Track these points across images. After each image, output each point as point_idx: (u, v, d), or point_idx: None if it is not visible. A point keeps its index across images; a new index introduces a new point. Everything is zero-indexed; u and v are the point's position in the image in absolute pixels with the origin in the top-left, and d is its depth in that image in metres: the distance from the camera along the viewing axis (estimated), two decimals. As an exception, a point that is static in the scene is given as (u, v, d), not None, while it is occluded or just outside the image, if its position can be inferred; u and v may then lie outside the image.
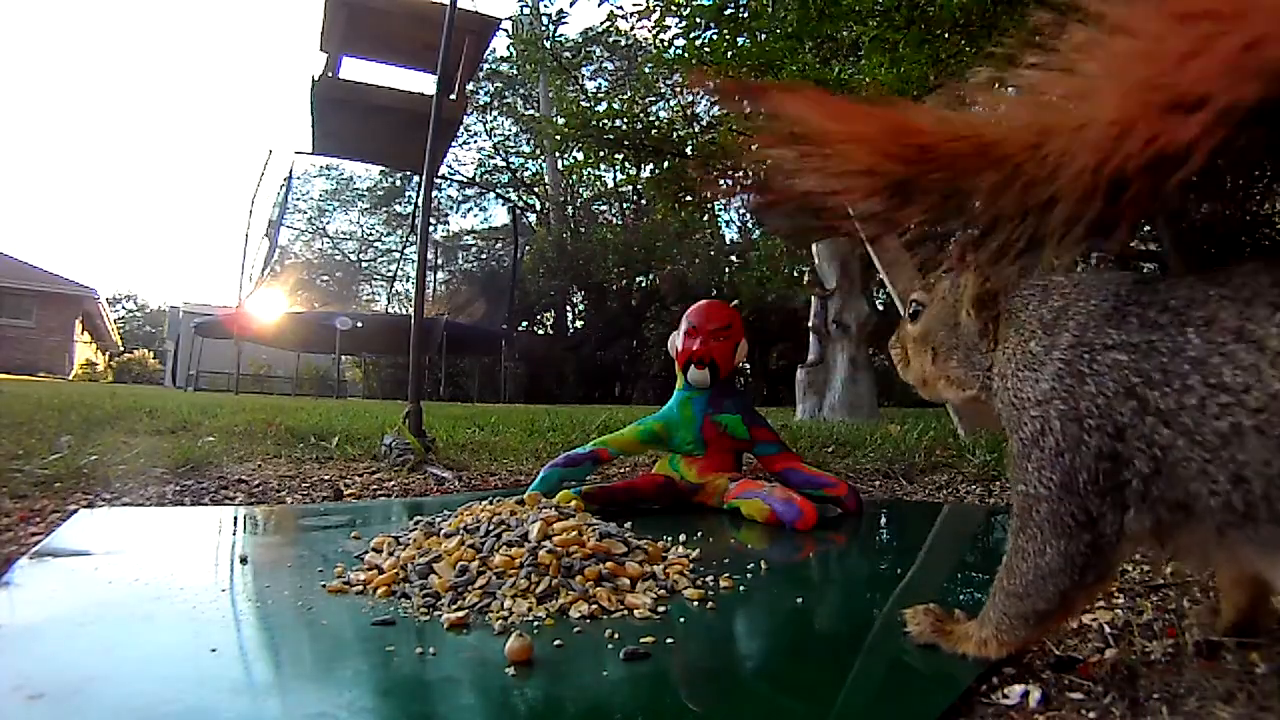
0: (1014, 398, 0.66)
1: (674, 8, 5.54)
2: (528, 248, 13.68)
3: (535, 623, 0.79)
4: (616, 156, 6.89)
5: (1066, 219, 0.55)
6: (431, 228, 10.53)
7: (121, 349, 21.31)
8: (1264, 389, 0.51)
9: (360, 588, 0.88)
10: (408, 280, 15.74)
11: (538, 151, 16.83)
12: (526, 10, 14.75)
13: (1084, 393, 0.61)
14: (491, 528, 0.98)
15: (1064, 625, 0.65)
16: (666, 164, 6.31)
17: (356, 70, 4.62)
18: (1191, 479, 0.55)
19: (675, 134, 6.77)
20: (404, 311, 14.19)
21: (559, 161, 15.03)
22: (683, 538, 1.14)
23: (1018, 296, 0.70)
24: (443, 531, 1.00)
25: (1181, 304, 0.58)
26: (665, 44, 5.91)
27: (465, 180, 18.12)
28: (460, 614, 0.78)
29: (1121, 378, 0.59)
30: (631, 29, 6.33)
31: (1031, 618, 0.63)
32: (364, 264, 18.75)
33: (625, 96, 9.58)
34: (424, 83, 3.96)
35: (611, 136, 6.27)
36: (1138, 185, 0.51)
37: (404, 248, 15.44)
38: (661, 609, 0.84)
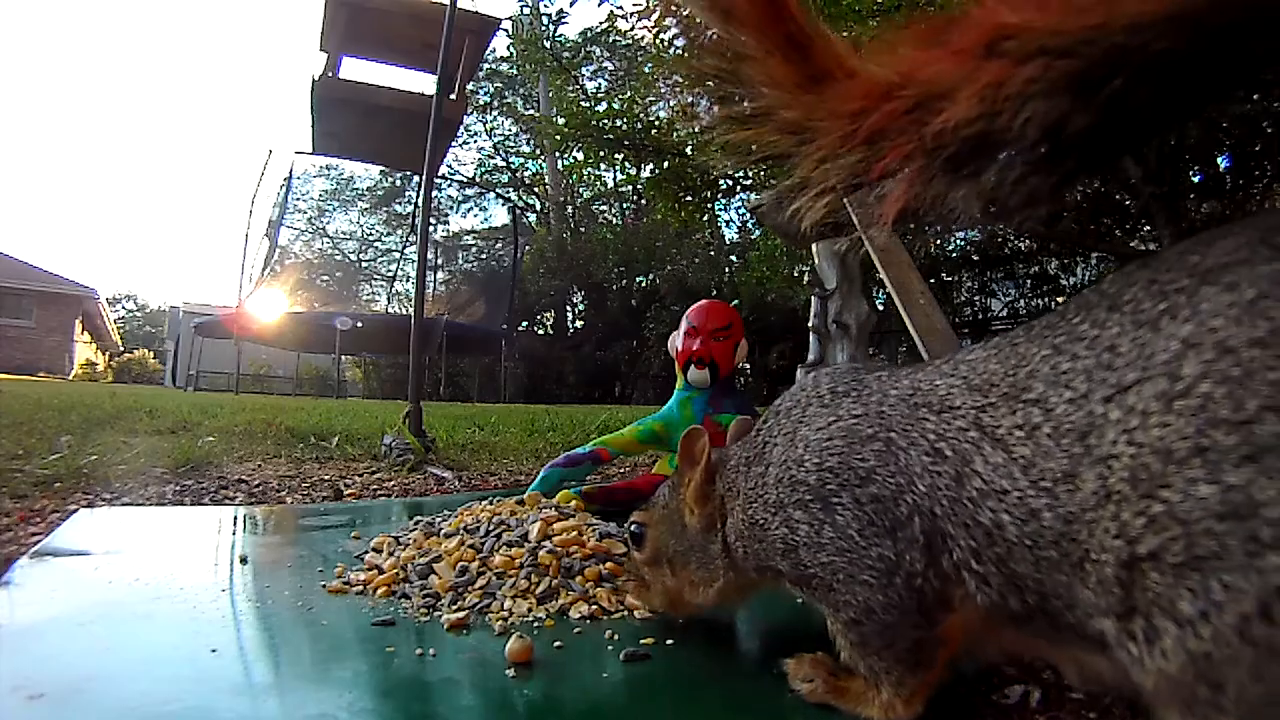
0: (759, 535, 0.65)
1: (674, 8, 5.54)
2: (528, 248, 13.68)
3: (535, 623, 0.79)
4: (616, 156, 6.90)
5: (819, 159, 0.55)
6: (431, 228, 10.53)
7: (121, 349, 21.33)
8: (1023, 505, 0.49)
9: (360, 588, 0.88)
10: (408, 280, 15.75)
11: (538, 151, 16.83)
12: (526, 10, 14.76)
13: (808, 469, 0.61)
14: (491, 528, 0.98)
15: (950, 653, 0.58)
16: (666, 164, 6.31)
17: (356, 70, 4.62)
18: (964, 565, 0.53)
19: (675, 134, 6.77)
20: (404, 311, 14.19)
21: (559, 161, 15.04)
22: (683, 538, 1.14)
23: (726, 472, 0.71)
24: (443, 531, 1.00)
25: (907, 389, 0.59)
26: (665, 44, 5.92)
27: (465, 180, 18.13)
28: (460, 614, 0.78)
29: (851, 429, 0.60)
30: (631, 29, 6.33)
31: (909, 655, 0.58)
32: (364, 264, 18.75)
33: (625, 96, 9.58)
34: (424, 83, 3.96)
35: (611, 136, 6.27)
36: (898, 134, 0.51)
37: (404, 248, 15.45)
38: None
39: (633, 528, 0.79)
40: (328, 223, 18.70)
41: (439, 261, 15.36)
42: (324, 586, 0.89)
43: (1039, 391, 0.49)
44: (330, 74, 3.72)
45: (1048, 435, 0.48)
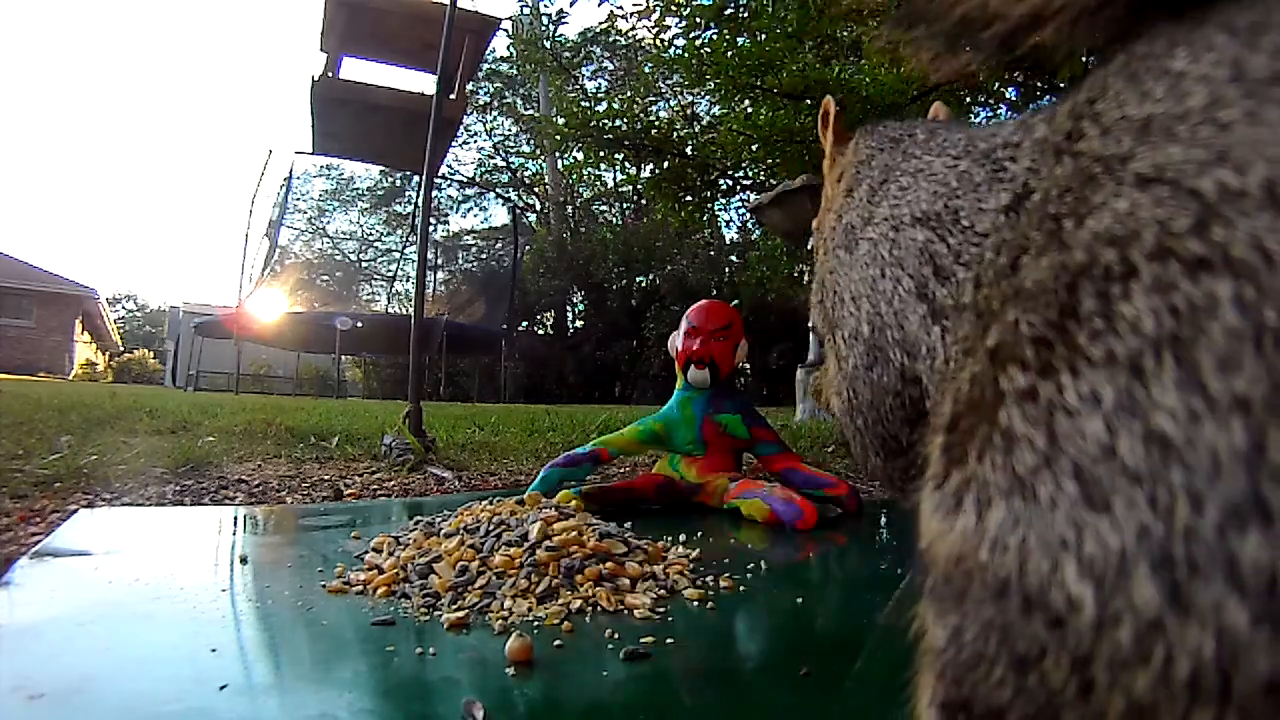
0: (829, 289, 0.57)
1: (674, 8, 5.54)
2: (528, 248, 13.68)
3: (535, 623, 0.78)
4: (616, 156, 6.90)
5: None
6: (431, 228, 10.52)
7: (121, 349, 21.32)
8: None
9: (360, 588, 0.88)
10: (408, 280, 15.74)
11: (538, 151, 16.82)
12: (526, 10, 14.75)
13: (882, 299, 0.51)
14: (491, 528, 0.98)
15: None
16: (666, 164, 6.31)
17: (356, 70, 4.62)
18: None
19: (675, 134, 6.77)
20: (404, 311, 14.17)
21: (559, 161, 15.04)
22: (683, 538, 1.14)
23: (862, 148, 0.60)
24: (443, 531, 1.00)
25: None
26: (665, 44, 5.92)
27: (465, 180, 18.12)
28: (460, 614, 0.78)
29: (917, 267, 0.49)
30: (631, 29, 6.33)
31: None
32: (364, 264, 18.74)
33: (625, 96, 9.58)
34: (424, 83, 3.95)
35: (611, 136, 6.27)
36: None
37: (404, 248, 15.43)
38: (661, 609, 0.84)
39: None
40: (328, 223, 18.71)
41: (439, 261, 15.36)
42: (324, 586, 0.88)
43: None
44: (330, 74, 3.71)
45: None
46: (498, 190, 18.38)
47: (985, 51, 0.45)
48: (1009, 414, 0.28)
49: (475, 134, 17.58)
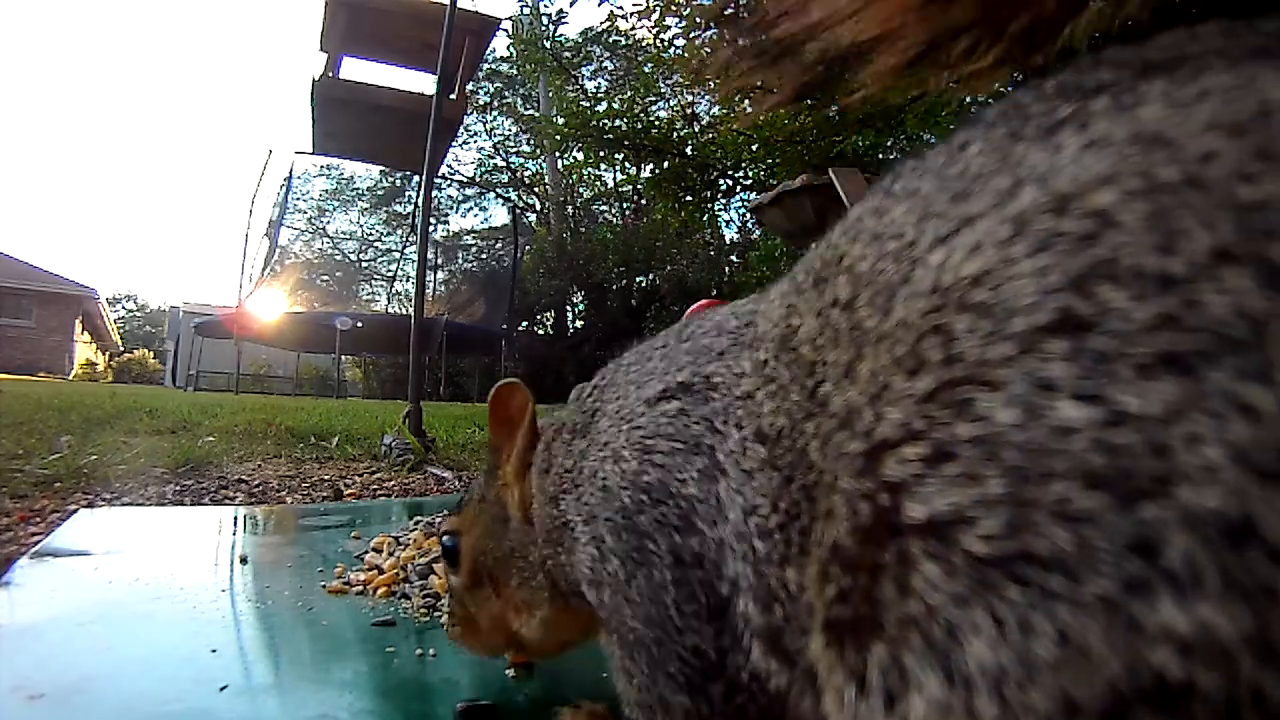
0: (564, 542, 0.47)
1: (674, 8, 5.55)
2: (528, 248, 13.68)
3: (535, 623, 0.78)
4: (616, 156, 6.91)
5: None
6: (431, 228, 10.51)
7: (121, 349, 21.33)
8: None
9: (360, 588, 0.88)
10: (408, 280, 15.72)
11: (538, 151, 16.83)
12: (526, 10, 14.75)
13: (623, 474, 0.42)
14: (491, 528, 0.98)
15: None
16: (666, 164, 6.32)
17: (356, 70, 4.62)
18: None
19: (675, 134, 6.78)
20: (404, 311, 14.17)
21: (559, 161, 15.04)
22: (683, 538, 1.14)
23: (549, 438, 0.52)
24: (443, 531, 1.00)
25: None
26: (665, 44, 5.92)
27: (465, 180, 18.12)
28: (460, 614, 0.78)
29: (678, 430, 0.41)
30: (631, 29, 6.34)
31: None
32: (364, 264, 18.73)
33: (625, 96, 9.58)
34: (424, 83, 3.95)
35: (611, 136, 6.28)
36: None
37: (404, 248, 15.44)
38: (661, 609, 0.83)
39: (444, 540, 0.57)
40: (328, 223, 18.70)
41: (439, 261, 15.34)
42: (324, 586, 0.89)
43: None
44: (330, 74, 3.71)
45: None
46: (498, 190, 18.38)
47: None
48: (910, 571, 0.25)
49: (475, 134, 17.60)
